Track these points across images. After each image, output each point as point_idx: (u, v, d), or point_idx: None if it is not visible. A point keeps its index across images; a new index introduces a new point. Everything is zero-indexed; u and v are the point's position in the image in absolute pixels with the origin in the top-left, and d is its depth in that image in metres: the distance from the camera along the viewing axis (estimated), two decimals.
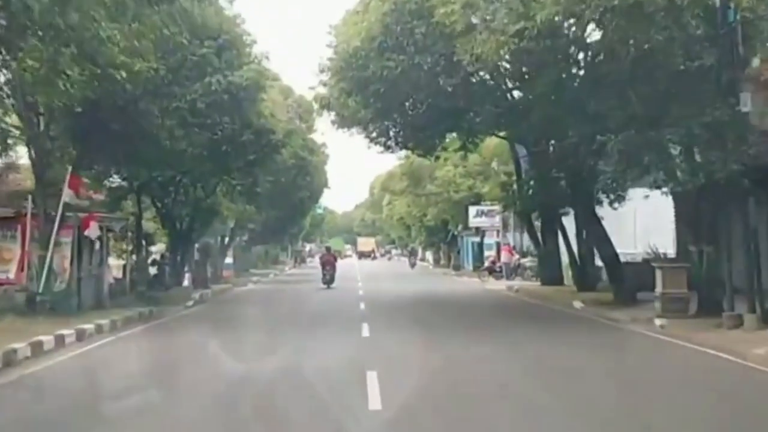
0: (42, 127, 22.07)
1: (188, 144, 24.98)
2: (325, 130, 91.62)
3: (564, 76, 22.21)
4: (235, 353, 14.88)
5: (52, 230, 21.30)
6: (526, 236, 41.88)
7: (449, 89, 24.52)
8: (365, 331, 19.15)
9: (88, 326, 18.30)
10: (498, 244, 48.81)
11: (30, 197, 21.82)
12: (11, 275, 22.37)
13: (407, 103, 27.20)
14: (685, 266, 20.54)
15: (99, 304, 23.39)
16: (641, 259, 26.16)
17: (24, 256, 21.99)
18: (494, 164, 45.39)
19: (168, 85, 23.09)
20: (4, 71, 20.17)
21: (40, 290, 20.81)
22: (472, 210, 50.55)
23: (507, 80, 27.26)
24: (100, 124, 21.94)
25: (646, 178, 21.70)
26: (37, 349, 15.09)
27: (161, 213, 34.82)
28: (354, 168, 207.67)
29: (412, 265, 71.77)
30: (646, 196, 26.74)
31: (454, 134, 34.46)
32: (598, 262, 29.53)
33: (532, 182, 31.86)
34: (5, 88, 20.88)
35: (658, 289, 20.41)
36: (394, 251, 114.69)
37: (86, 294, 23.15)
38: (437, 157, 37.59)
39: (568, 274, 33.55)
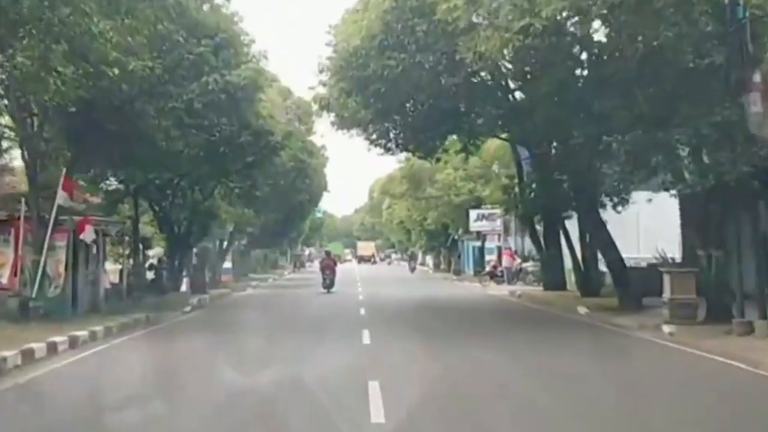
0: (35, 128, 21.79)
1: (185, 145, 24.73)
2: (324, 133, 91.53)
3: (569, 75, 21.82)
4: (233, 361, 14.53)
5: (46, 234, 20.97)
6: (527, 240, 41.71)
7: (452, 89, 24.12)
8: (366, 338, 18.77)
9: (82, 333, 17.92)
10: (499, 248, 48.65)
11: (23, 200, 21.52)
12: (4, 280, 21.95)
13: (408, 104, 26.87)
14: (693, 271, 20.11)
15: (95, 310, 23.20)
16: (646, 264, 25.76)
17: (17, 260, 21.63)
18: (495, 167, 45.33)
19: (164, 84, 22.66)
20: None
21: (34, 295, 20.55)
22: (473, 214, 50.49)
23: (509, 81, 27.00)
24: (95, 124, 21.67)
25: (651, 180, 21.33)
26: (28, 357, 14.71)
27: (159, 216, 34.59)
28: (353, 172, 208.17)
29: (412, 269, 71.92)
30: (650, 200, 26.53)
31: (455, 136, 34.12)
32: (602, 267, 29.22)
33: (534, 185, 31.49)
34: None
35: (666, 294, 20.01)
36: (393, 255, 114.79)
37: (82, 299, 22.98)
38: (438, 160, 37.33)
39: (570, 278, 33.25)
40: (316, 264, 50.74)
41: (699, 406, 10.92)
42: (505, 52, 19.50)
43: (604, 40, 20.54)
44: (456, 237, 62.63)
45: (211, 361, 15.18)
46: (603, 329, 20.90)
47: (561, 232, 32.92)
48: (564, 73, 21.46)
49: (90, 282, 24.29)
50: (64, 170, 21.92)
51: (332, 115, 29.27)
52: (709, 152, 18.89)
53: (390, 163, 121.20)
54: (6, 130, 22.39)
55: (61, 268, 22.35)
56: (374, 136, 30.21)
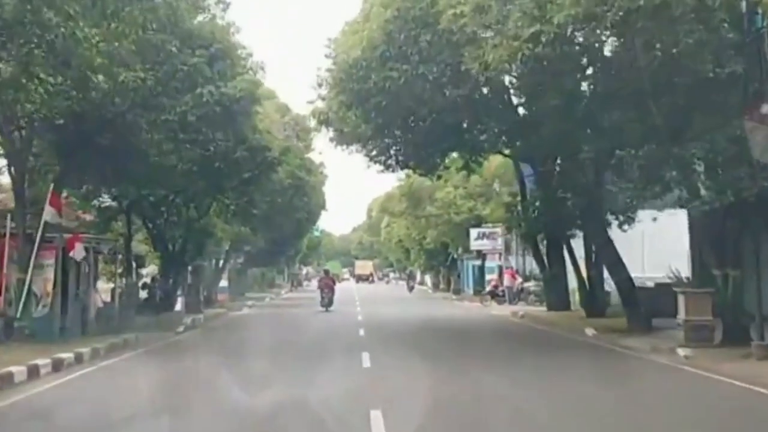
0: (23, 143, 21.11)
1: (178, 160, 24.15)
2: (322, 150, 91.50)
3: (578, 86, 21.14)
4: (225, 386, 13.77)
5: (33, 251, 20.14)
6: (529, 259, 41.37)
7: (457, 101, 23.46)
8: (366, 361, 18.01)
9: (67, 355, 17.14)
10: (500, 268, 47.99)
11: (9, 216, 20.85)
12: None
13: (410, 118, 26.23)
14: (709, 291, 19.29)
15: (84, 330, 22.48)
16: (654, 284, 25.02)
17: (2, 278, 20.79)
18: (496, 185, 44.91)
19: (156, 96, 21.83)
20: None
21: (19, 315, 19.88)
22: (474, 232, 50.01)
23: (514, 96, 26.47)
24: (84, 138, 21.12)
25: (666, 197, 20.54)
26: (6, 381, 13.99)
27: (152, 234, 33.92)
28: (352, 190, 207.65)
29: (411, 288, 71.59)
30: (655, 219, 25.90)
31: (456, 154, 33.55)
32: (607, 287, 28.41)
33: (538, 203, 30.86)
34: None
35: (681, 315, 19.30)
36: (392, 275, 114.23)
37: (71, 319, 22.14)
38: (439, 177, 36.69)
39: (574, 298, 32.55)
40: (314, 283, 50.54)
41: None
42: (514, 65, 18.80)
43: (615, 49, 19.81)
44: (456, 256, 62.15)
45: (202, 385, 14.54)
46: (613, 352, 20.06)
47: (566, 251, 32.16)
48: (573, 85, 20.79)
49: (80, 301, 23.49)
50: (52, 186, 21.22)
51: (331, 130, 28.82)
52: (725, 167, 18.10)
53: (389, 182, 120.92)
54: None
55: (49, 287, 21.57)
56: (374, 153, 29.75)
